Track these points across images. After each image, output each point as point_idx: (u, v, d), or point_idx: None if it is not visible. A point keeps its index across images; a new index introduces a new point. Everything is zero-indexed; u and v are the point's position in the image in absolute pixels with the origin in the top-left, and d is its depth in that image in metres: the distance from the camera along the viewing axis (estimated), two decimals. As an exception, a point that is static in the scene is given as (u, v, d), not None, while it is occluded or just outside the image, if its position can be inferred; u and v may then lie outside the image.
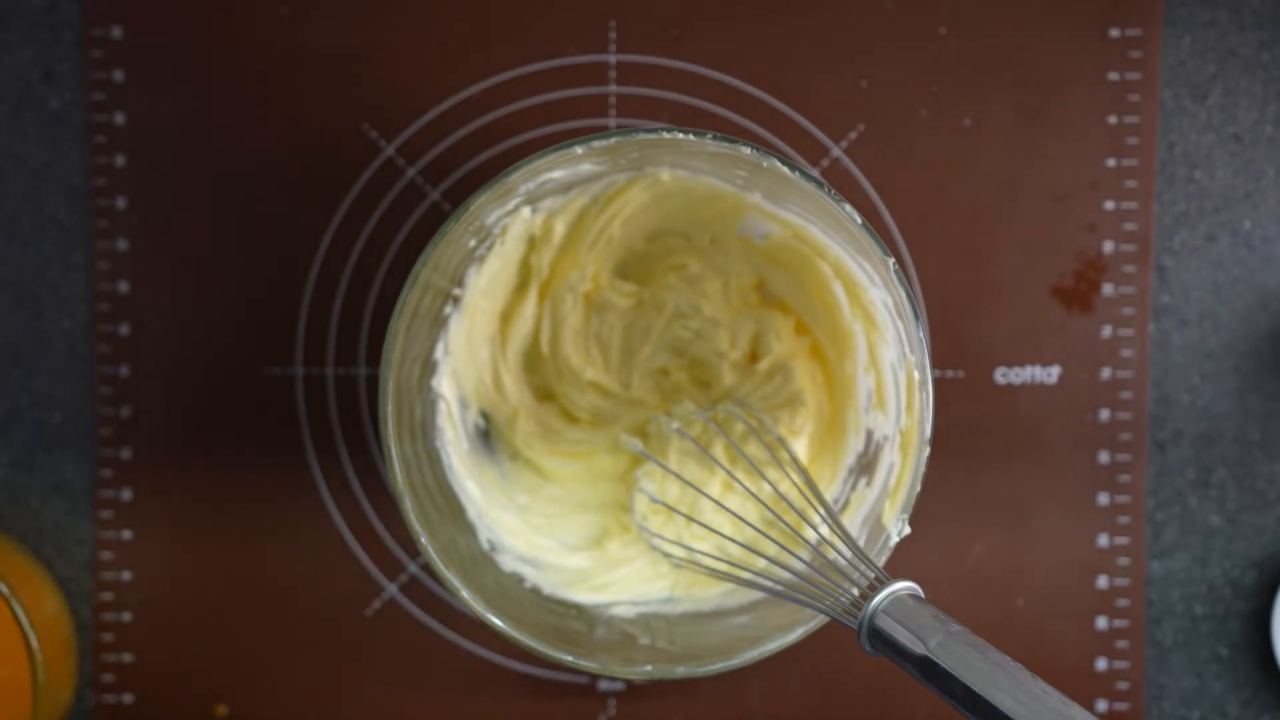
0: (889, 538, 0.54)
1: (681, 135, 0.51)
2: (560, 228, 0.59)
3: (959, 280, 0.65)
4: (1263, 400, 0.65)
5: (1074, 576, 0.65)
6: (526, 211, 0.57)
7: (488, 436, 0.63)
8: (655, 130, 0.51)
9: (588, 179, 0.57)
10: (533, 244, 0.60)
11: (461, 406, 0.61)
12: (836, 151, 0.65)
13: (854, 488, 0.60)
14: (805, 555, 0.56)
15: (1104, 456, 0.65)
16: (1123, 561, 0.65)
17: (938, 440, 0.64)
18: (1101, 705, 0.65)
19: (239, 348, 0.65)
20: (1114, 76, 0.64)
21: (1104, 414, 0.65)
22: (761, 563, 0.59)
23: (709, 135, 0.51)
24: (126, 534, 0.65)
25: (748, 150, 0.51)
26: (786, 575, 0.56)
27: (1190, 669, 0.66)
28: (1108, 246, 0.65)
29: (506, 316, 0.61)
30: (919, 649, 0.46)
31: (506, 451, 0.63)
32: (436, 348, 0.59)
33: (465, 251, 0.57)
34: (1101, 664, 0.65)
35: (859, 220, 0.51)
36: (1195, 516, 0.65)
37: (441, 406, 0.60)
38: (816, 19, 0.64)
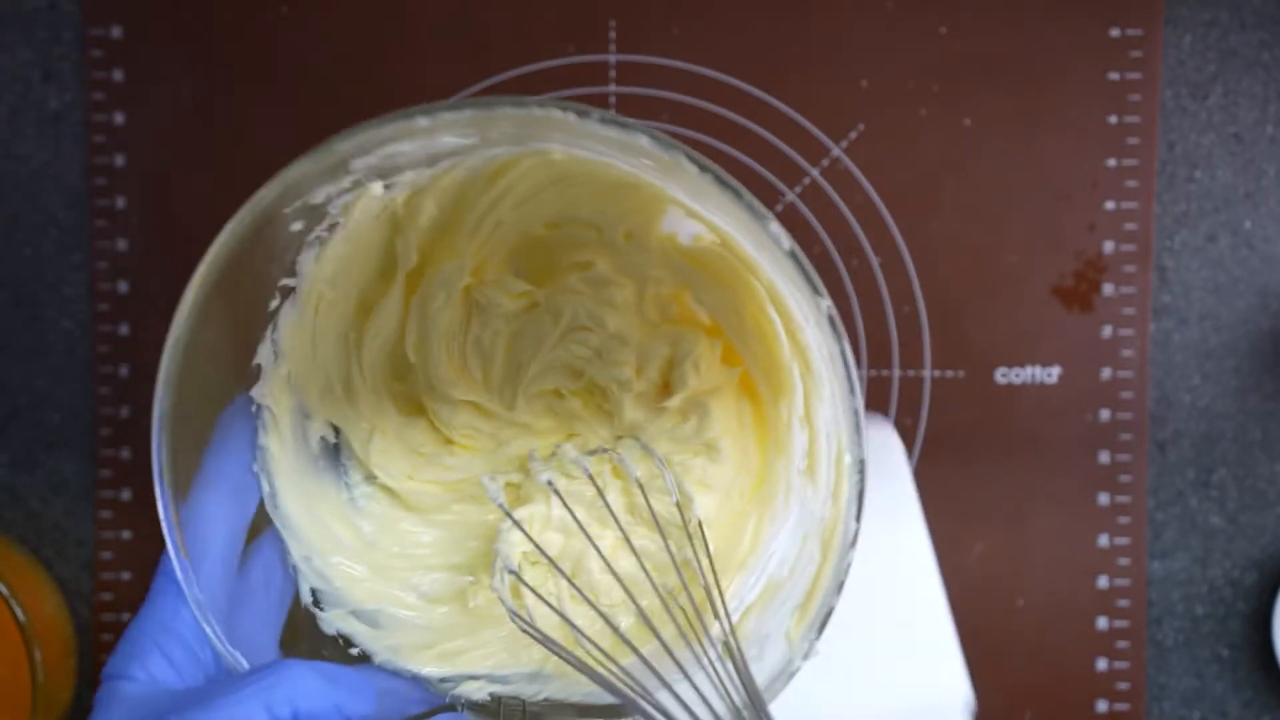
0: (791, 662, 0.43)
1: (559, 113, 0.40)
2: (430, 207, 0.48)
3: (959, 280, 0.65)
4: (1263, 400, 0.65)
5: (1074, 576, 0.65)
6: (378, 187, 0.46)
7: (338, 453, 0.51)
8: (524, 104, 0.40)
9: (454, 151, 0.46)
10: (396, 225, 0.49)
11: (300, 417, 0.49)
12: (836, 151, 0.65)
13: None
14: (692, 648, 0.45)
15: (1104, 456, 0.65)
16: (1123, 561, 0.65)
17: (938, 440, 0.64)
18: (1102, 705, 0.65)
19: (239, 348, 0.65)
20: (1114, 76, 0.64)
21: (1104, 414, 0.65)
22: (633, 658, 0.46)
23: (595, 116, 0.40)
24: (126, 534, 0.65)
25: (646, 141, 0.40)
26: (660, 675, 0.43)
27: (1191, 669, 0.66)
28: (1108, 246, 0.65)
29: (364, 311, 0.50)
30: None
31: (359, 472, 0.51)
32: (260, 350, 0.47)
33: (291, 236, 0.46)
34: (1102, 664, 0.65)
35: (786, 245, 0.40)
36: (1195, 516, 0.65)
37: (266, 420, 0.48)
38: (816, 19, 0.64)
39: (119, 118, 0.64)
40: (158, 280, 0.65)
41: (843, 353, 0.40)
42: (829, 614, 0.42)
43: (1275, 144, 0.65)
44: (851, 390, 0.40)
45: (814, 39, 0.64)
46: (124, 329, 0.65)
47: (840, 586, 0.42)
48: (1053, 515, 0.65)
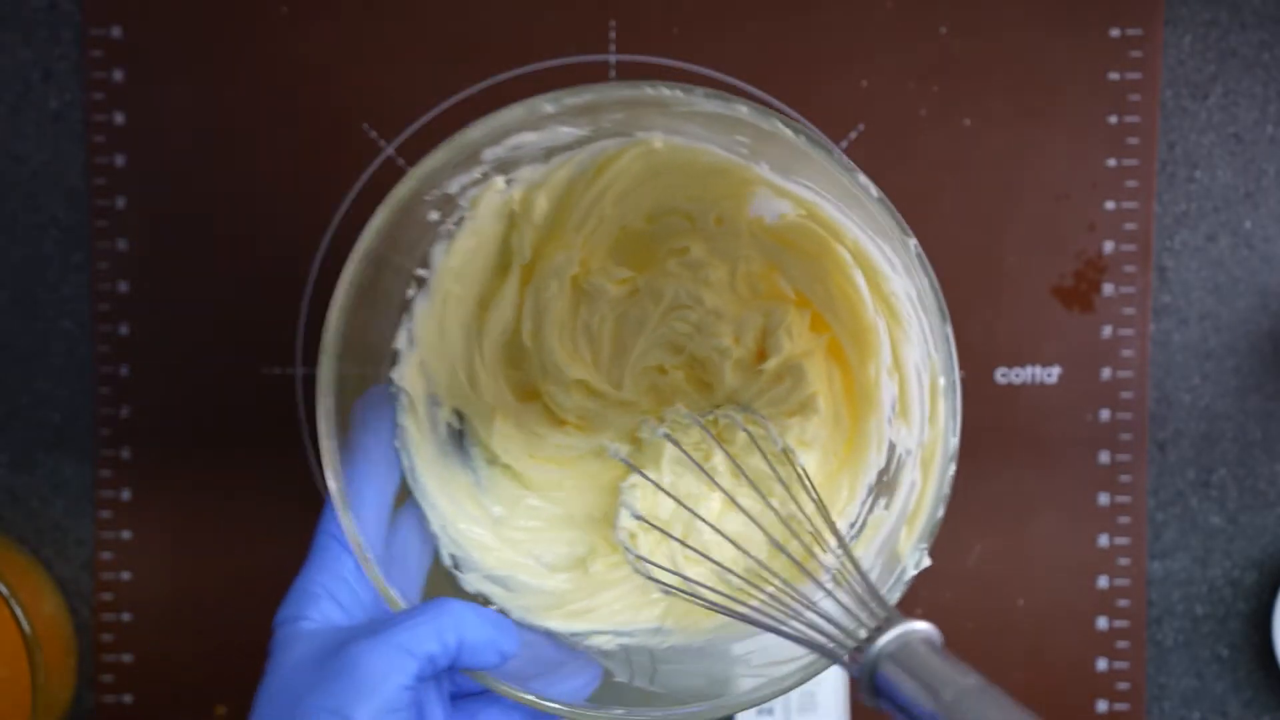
0: (904, 570, 0.47)
1: (668, 91, 0.45)
2: (543, 203, 0.52)
3: (959, 280, 0.65)
4: (1263, 400, 0.65)
5: (1074, 576, 0.65)
6: (500, 182, 0.51)
7: (462, 438, 0.56)
8: (637, 85, 0.45)
9: (569, 145, 0.51)
10: (513, 221, 0.53)
11: (431, 404, 0.54)
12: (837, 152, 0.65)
13: (872, 510, 0.54)
14: (809, 586, 0.49)
15: (1104, 456, 0.65)
16: (1123, 561, 0.65)
17: (938, 440, 0.64)
18: (1102, 705, 0.65)
19: (239, 348, 0.65)
20: (1114, 76, 0.64)
21: (1104, 414, 0.65)
22: (758, 593, 0.50)
23: (699, 91, 0.45)
24: (126, 534, 0.65)
25: (745, 109, 0.45)
26: (786, 608, 0.47)
27: (1191, 669, 0.66)
28: (1108, 246, 0.65)
29: (484, 303, 0.54)
30: (928, 704, 0.38)
31: (483, 456, 0.56)
32: (399, 336, 0.52)
33: (426, 226, 0.51)
34: (1102, 664, 0.65)
35: (874, 193, 0.46)
36: (1196, 516, 0.65)
37: (404, 402, 0.53)
38: (816, 19, 0.64)
39: (119, 118, 0.64)
40: (158, 280, 0.65)
41: (931, 285, 0.46)
42: (936, 525, 0.47)
43: (1275, 144, 0.65)
44: (944, 318, 0.46)
45: (814, 39, 0.64)
46: (124, 329, 0.65)
47: (944, 499, 0.47)
48: (1053, 515, 0.65)
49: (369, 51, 0.64)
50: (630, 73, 0.64)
